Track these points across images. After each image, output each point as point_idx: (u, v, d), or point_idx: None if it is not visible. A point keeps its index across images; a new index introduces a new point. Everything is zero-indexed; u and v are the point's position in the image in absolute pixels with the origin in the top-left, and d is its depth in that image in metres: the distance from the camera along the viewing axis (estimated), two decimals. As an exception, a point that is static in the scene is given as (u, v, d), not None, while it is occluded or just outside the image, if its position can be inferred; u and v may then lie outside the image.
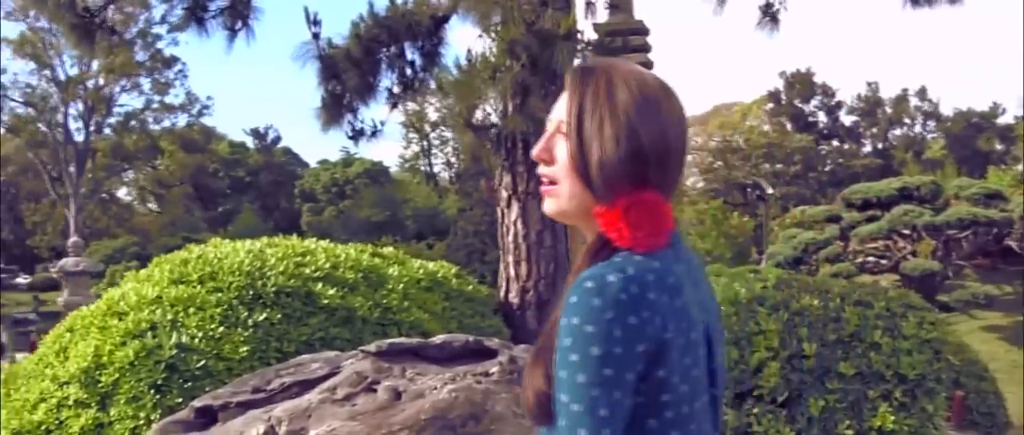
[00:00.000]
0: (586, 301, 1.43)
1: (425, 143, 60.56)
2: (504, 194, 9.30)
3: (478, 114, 9.89)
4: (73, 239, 37.08)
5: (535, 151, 1.63)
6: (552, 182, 1.62)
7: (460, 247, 31.07)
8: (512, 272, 9.15)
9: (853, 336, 5.78)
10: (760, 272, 11.15)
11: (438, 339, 5.43)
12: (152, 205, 66.60)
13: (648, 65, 13.61)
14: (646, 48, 12.79)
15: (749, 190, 48.58)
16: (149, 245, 43.91)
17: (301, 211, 56.52)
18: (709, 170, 56.37)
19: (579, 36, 8.18)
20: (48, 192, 62.20)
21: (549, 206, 1.63)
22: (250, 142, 66.04)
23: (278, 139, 65.45)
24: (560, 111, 1.61)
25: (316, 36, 10.21)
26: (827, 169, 57.30)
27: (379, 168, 58.38)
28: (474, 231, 29.11)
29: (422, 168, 61.80)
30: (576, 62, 1.67)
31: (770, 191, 38.29)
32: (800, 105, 60.81)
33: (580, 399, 1.40)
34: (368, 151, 58.34)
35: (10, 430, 5.94)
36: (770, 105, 60.58)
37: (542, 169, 1.62)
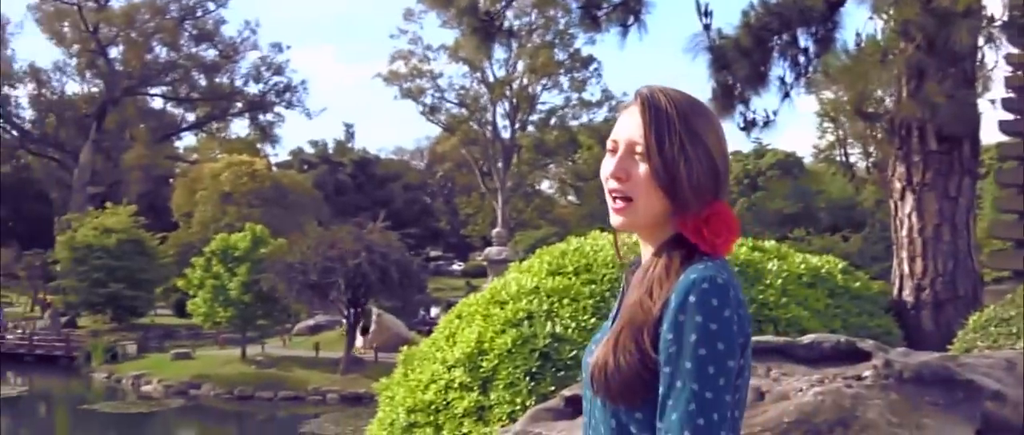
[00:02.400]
0: (706, 300, 1.61)
1: (841, 132, 58.33)
2: (898, 185, 8.70)
3: (879, 98, 9.36)
4: (496, 230, 39.73)
5: (611, 170, 1.75)
6: (625, 198, 1.74)
7: (877, 240, 29.75)
8: (906, 268, 8.54)
9: None
10: None
11: (807, 339, 5.18)
12: (571, 197, 69.69)
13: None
14: (1073, 21, 11.44)
15: None
16: (568, 236, 45.73)
17: (714, 203, 56.53)
18: None
19: (983, 12, 7.46)
20: (479, 186, 66.93)
21: (619, 220, 1.77)
22: (664, 135, 67.11)
23: (691, 132, 65.95)
24: (628, 132, 1.74)
25: (707, 28, 10.12)
26: None
27: (792, 159, 57.06)
28: (892, 224, 27.70)
29: (838, 158, 59.59)
30: (639, 88, 1.81)
31: None
32: None
33: (712, 387, 1.58)
34: (781, 142, 57.06)
35: (405, 407, 6.43)
36: None
37: (615, 185, 1.75)
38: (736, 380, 1.64)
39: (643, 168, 1.71)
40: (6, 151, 65.62)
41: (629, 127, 1.74)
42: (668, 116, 1.71)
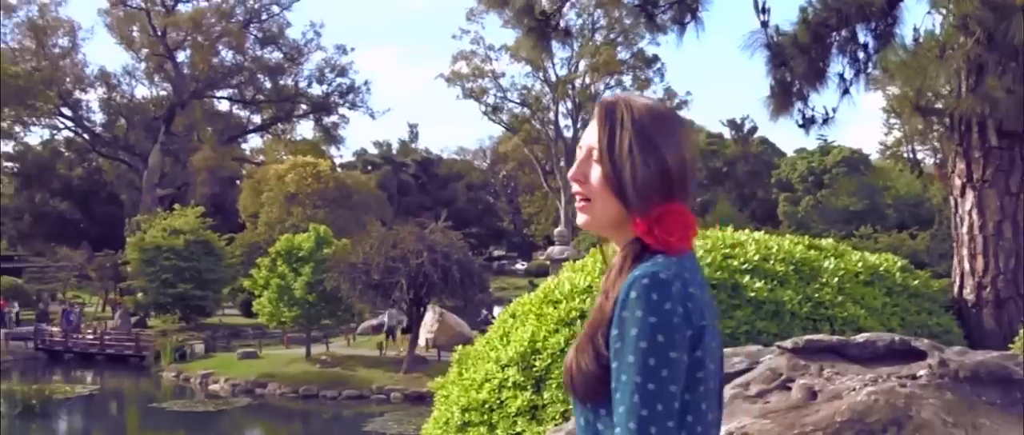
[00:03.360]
0: (646, 295, 1.68)
1: (907, 128, 57.40)
2: (958, 182, 8.56)
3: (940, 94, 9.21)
4: (558, 229, 39.78)
5: (571, 173, 1.87)
6: (586, 199, 1.86)
7: (945, 237, 29.19)
8: (966, 266, 8.40)
9: None
10: None
11: (861, 338, 5.13)
12: (634, 196, 69.29)
13: None
14: None
15: None
16: (629, 235, 45.53)
17: (777, 201, 55.98)
18: None
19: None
20: (542, 185, 66.99)
21: (582, 220, 1.89)
22: (727, 133, 66.57)
23: (755, 129, 65.30)
24: (589, 138, 1.87)
25: (764, 24, 10.01)
26: None
27: (859, 156, 56.36)
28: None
29: (905, 154, 58.66)
30: (600, 98, 1.97)
31: None
32: None
33: (654, 379, 1.64)
34: (847, 138, 56.46)
35: (459, 406, 6.48)
36: None
37: (577, 188, 1.87)
38: (697, 372, 1.71)
39: (597, 171, 1.83)
40: (78, 154, 67.16)
41: (591, 133, 1.87)
42: (621, 122, 1.82)
